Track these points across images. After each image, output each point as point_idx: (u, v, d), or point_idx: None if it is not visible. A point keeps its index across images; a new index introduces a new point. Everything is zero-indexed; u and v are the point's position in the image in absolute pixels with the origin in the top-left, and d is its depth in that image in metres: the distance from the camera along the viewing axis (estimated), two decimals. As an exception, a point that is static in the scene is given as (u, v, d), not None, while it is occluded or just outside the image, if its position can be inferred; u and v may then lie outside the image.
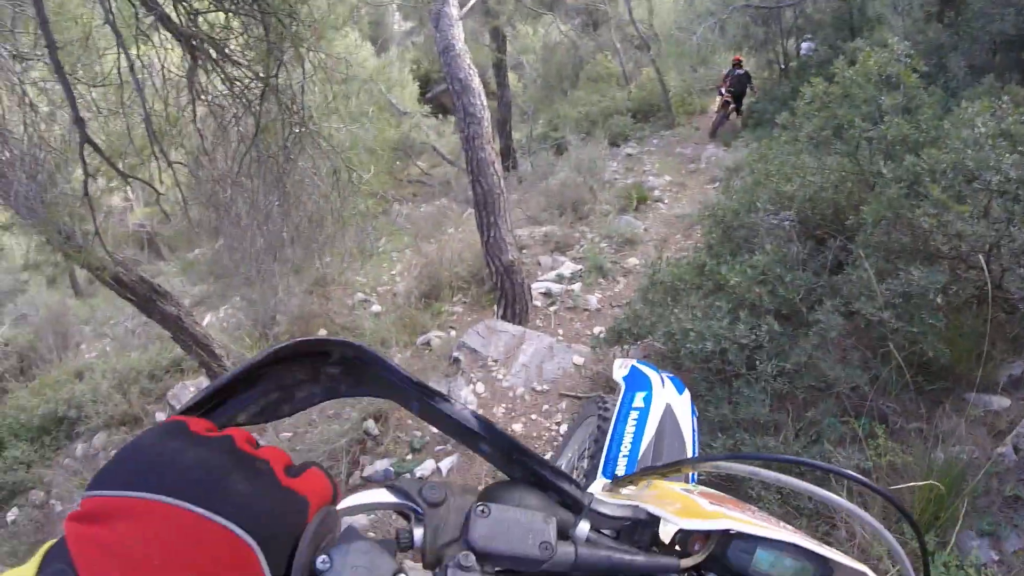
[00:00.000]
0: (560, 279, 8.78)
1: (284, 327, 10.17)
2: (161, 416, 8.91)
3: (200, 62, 5.14)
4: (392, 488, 0.80)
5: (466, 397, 5.88)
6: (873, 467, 3.56)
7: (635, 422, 2.14)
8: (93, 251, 6.14)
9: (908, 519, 0.84)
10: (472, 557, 0.72)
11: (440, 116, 20.98)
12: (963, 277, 3.95)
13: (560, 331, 7.52)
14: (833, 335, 3.93)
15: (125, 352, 11.05)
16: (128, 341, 12.05)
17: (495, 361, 6.40)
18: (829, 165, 5.15)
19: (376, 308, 10.44)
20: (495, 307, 8.00)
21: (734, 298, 4.42)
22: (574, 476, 2.54)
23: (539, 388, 6.00)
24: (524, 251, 9.92)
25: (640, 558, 0.82)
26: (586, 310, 7.98)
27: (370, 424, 6.01)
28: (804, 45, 14.96)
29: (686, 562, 0.84)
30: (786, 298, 4.29)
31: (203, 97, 5.46)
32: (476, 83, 7.22)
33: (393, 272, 11.98)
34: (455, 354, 6.67)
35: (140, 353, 10.50)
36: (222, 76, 5.23)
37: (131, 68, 4.71)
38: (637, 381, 2.36)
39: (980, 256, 3.63)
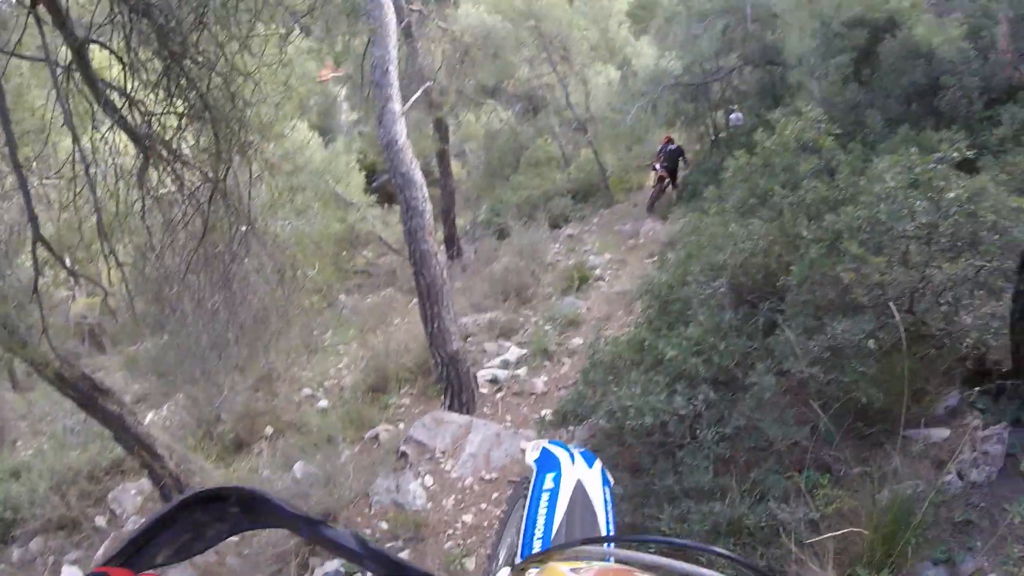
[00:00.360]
0: (506, 365, 8.81)
1: (229, 425, 9.96)
2: (101, 521, 8.58)
3: (151, 160, 5.18)
4: None
5: (415, 491, 5.81)
6: (821, 517, 3.58)
7: (547, 503, 2.19)
8: (37, 346, 6.01)
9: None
10: None
11: (386, 205, 21.10)
12: (888, 323, 4.07)
13: (508, 417, 7.51)
14: (767, 396, 4.00)
15: (64, 451, 10.60)
16: (67, 439, 11.52)
17: (443, 452, 6.35)
18: (757, 232, 5.32)
19: (323, 403, 10.30)
20: (442, 397, 7.95)
21: (671, 371, 4.48)
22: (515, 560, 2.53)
23: (487, 477, 5.95)
24: (469, 339, 9.95)
25: None
26: (532, 394, 7.99)
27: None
28: (732, 116, 15.55)
29: None
30: (722, 365, 4.36)
31: (153, 194, 5.47)
32: (418, 177, 7.35)
33: (340, 365, 11.86)
34: (402, 448, 6.60)
35: (79, 452, 10.10)
36: (173, 176, 5.27)
37: (86, 169, 4.72)
38: (547, 462, 2.42)
39: (892, 305, 3.75)
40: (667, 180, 15.31)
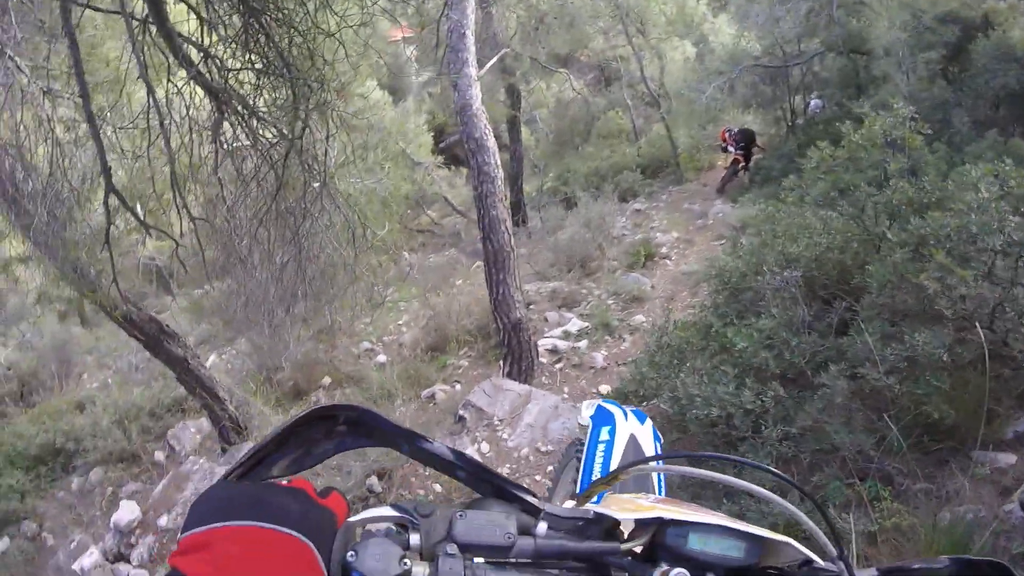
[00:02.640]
0: (567, 336, 8.79)
1: (289, 373, 10.15)
2: (160, 456, 8.85)
3: (227, 115, 5.22)
4: (394, 506, 0.96)
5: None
6: (879, 530, 3.50)
7: (602, 453, 2.41)
8: (106, 291, 6.16)
9: (807, 496, 1.08)
10: (456, 547, 0.90)
11: (452, 167, 21.15)
12: (967, 339, 3.94)
13: (566, 389, 7.51)
14: (839, 400, 3.91)
15: (128, 386, 11.03)
16: (131, 375, 11.97)
17: (500, 420, 6.34)
18: (835, 227, 5.19)
19: (382, 358, 10.45)
20: (501, 363, 7.99)
21: (740, 362, 4.42)
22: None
23: (543, 449, 5.94)
24: (531, 307, 9.94)
25: (586, 544, 0.99)
26: (592, 368, 7.98)
27: (373, 481, 5.97)
28: (812, 103, 15.25)
29: (626, 545, 1.00)
30: (792, 362, 4.28)
31: (226, 148, 5.53)
32: (491, 143, 7.32)
33: (400, 322, 12.00)
34: (460, 412, 6.62)
35: (143, 389, 10.46)
36: (247, 131, 5.31)
37: (160, 123, 4.75)
38: (602, 418, 2.61)
39: (978, 323, 3.63)
40: (741, 163, 15.05)
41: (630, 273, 10.73)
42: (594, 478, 2.26)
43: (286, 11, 4.69)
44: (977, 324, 3.73)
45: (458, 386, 8.46)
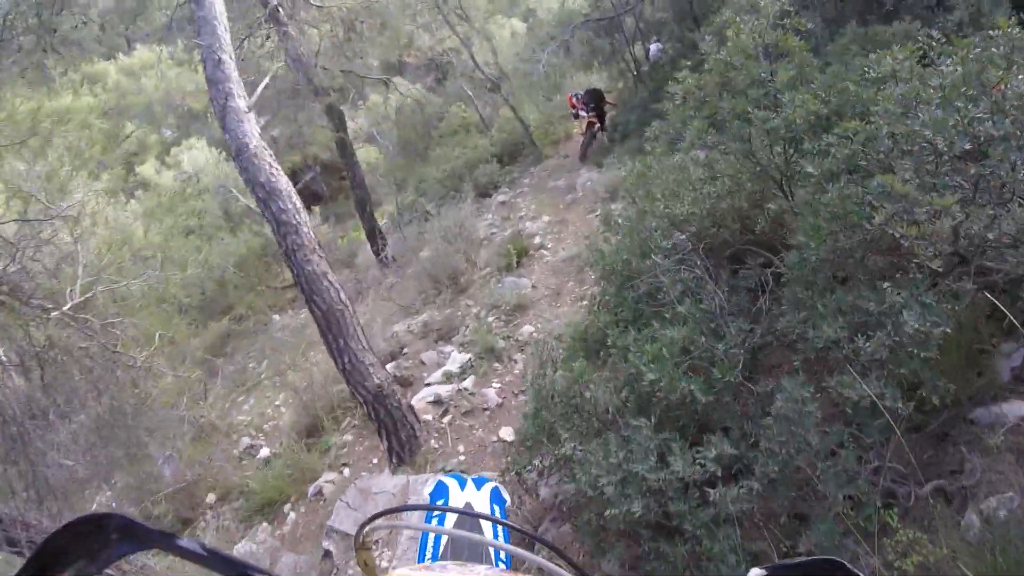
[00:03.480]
0: (449, 377, 7.48)
1: (164, 507, 8.67)
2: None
3: None
4: None
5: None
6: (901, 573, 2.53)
7: (436, 526, 2.28)
8: None
9: (547, 545, 1.21)
10: None
11: (311, 208, 19.63)
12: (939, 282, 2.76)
13: (460, 448, 6.23)
14: (816, 442, 2.59)
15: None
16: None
17: (375, 541, 4.88)
18: (721, 169, 3.96)
19: (265, 452, 9.09)
20: (379, 440, 6.57)
21: (655, 403, 3.05)
22: None
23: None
24: (404, 350, 8.71)
25: None
26: (486, 408, 6.72)
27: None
28: (652, 48, 14.62)
29: None
30: (727, 382, 2.95)
31: None
32: (283, 184, 5.89)
33: (277, 402, 10.64)
34: (325, 545, 5.10)
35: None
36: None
37: None
38: (438, 492, 2.66)
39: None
40: (596, 125, 14.34)
41: (507, 277, 9.48)
42: (428, 550, 2.27)
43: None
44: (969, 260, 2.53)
45: (346, 470, 7.19)
